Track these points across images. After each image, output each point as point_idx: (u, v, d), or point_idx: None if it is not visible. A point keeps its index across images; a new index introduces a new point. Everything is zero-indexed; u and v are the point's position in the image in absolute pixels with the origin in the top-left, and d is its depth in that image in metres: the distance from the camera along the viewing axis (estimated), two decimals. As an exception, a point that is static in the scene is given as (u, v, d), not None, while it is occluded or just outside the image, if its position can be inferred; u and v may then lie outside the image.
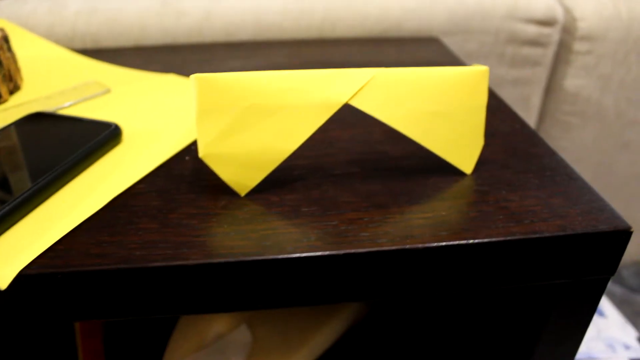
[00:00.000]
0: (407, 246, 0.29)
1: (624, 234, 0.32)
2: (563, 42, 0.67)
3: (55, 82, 0.50)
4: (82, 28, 0.58)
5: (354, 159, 0.38)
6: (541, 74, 0.68)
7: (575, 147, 0.74)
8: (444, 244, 0.30)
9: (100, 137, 0.38)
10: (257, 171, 0.33)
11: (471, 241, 0.30)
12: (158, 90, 0.48)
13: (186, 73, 0.52)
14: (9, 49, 0.48)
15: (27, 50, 0.55)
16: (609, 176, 0.77)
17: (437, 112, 0.34)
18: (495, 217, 0.32)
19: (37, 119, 0.41)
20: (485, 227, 0.31)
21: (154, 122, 0.43)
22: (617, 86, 0.69)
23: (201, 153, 0.33)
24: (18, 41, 0.56)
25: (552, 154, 0.39)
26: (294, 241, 0.30)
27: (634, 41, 0.66)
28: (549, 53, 0.66)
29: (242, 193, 0.34)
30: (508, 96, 0.69)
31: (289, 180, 0.35)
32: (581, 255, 0.32)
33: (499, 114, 0.45)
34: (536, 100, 0.70)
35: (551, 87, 0.70)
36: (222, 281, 0.29)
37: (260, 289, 0.30)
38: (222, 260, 0.29)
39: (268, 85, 0.32)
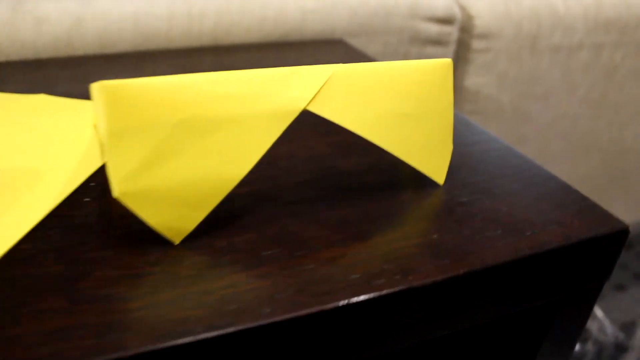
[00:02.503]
0: (413, 284, 0.23)
1: (623, 234, 0.29)
2: (462, 40, 0.66)
3: None
4: None
5: (306, 180, 0.31)
6: (443, 74, 0.67)
7: (477, 145, 0.73)
8: (450, 275, 0.24)
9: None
10: (195, 209, 0.25)
11: (479, 267, 0.25)
12: (25, 115, 0.37)
13: (53, 93, 0.42)
14: None
15: None
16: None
17: (405, 113, 0.28)
18: (493, 233, 0.27)
19: None
20: (487, 247, 0.26)
21: (27, 155, 0.32)
22: (512, 82, 0.70)
23: (116, 192, 0.24)
24: None
25: (514, 153, 0.35)
26: (268, 299, 0.22)
27: (524, 37, 0.67)
28: (449, 52, 0.65)
29: (177, 240, 0.25)
30: (413, 99, 0.67)
31: (232, 216, 0.27)
32: (582, 263, 0.28)
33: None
34: (439, 101, 0.69)
35: (453, 87, 0.69)
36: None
37: (231, 373, 0.22)
38: (176, 342, 0.20)
39: (202, 91, 0.24)
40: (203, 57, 0.52)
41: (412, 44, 0.62)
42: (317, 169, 0.32)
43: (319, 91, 0.26)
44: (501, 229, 0.27)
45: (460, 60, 0.67)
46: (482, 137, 0.37)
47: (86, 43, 0.49)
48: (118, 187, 0.23)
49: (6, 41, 0.47)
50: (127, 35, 0.50)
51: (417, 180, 0.31)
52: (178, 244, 0.25)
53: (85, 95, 0.41)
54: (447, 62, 0.30)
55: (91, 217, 0.27)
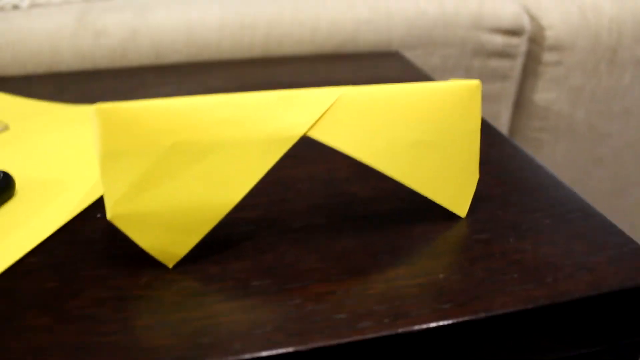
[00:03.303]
0: (400, 330, 0.21)
1: (669, 287, 0.25)
2: (531, 53, 0.61)
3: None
4: (-23, 54, 0.48)
5: (317, 205, 0.30)
6: (510, 88, 0.62)
7: (547, 165, 0.68)
8: (447, 322, 0.22)
9: (-18, 192, 0.29)
10: (187, 234, 0.24)
11: (483, 315, 0.22)
12: (67, 125, 0.39)
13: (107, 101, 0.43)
14: None
15: None
16: (582, 194, 0.72)
17: (421, 141, 0.26)
18: (508, 276, 0.24)
19: None
20: (498, 291, 0.24)
21: (59, 167, 0.33)
22: (588, 98, 0.64)
23: (110, 213, 0.24)
24: None
25: (558, 184, 0.32)
26: (242, 334, 0.21)
27: (603, 50, 0.61)
28: (517, 65, 0.61)
29: (170, 264, 0.25)
30: (476, 113, 0.63)
31: (233, 241, 0.27)
32: (617, 315, 0.25)
33: (484, 137, 0.38)
34: (505, 116, 0.65)
35: (520, 102, 0.65)
36: (140, 404, 0.20)
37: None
38: (141, 373, 0.20)
39: (197, 115, 0.23)
40: (253, 69, 0.52)
41: (474, 56, 0.59)
42: (332, 194, 0.31)
43: (322, 116, 0.25)
44: (519, 273, 0.25)
45: (529, 73, 0.63)
46: (526, 165, 0.34)
47: (141, 54, 0.51)
48: (111, 210, 0.24)
49: (69, 52, 0.49)
50: (180, 47, 0.52)
51: (438, 211, 0.29)
52: (171, 268, 0.25)
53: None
54: (474, 84, 0.27)
55: (97, 233, 0.27)
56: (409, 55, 0.57)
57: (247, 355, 0.20)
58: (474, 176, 0.29)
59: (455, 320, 0.22)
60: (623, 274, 0.25)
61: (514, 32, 0.58)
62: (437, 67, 0.58)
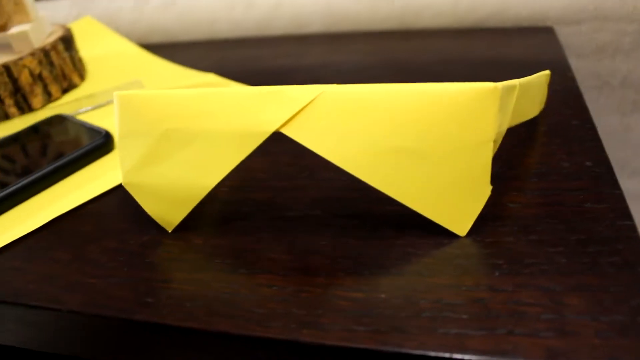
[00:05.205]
0: (299, 339, 0.21)
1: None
2: None
3: (113, 79, 0.50)
4: (159, 23, 0.58)
5: (324, 197, 0.30)
6: None
7: None
8: (348, 345, 0.21)
9: (90, 145, 0.37)
10: (177, 207, 0.28)
11: (390, 349, 0.21)
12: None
13: (246, 67, 0.48)
14: (68, 49, 0.49)
15: (102, 47, 0.56)
16: None
17: (408, 148, 0.24)
18: (455, 315, 0.22)
19: (57, 120, 0.41)
20: (428, 329, 0.21)
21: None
22: None
23: (123, 181, 0.28)
24: (97, 39, 0.58)
25: (624, 215, 0.26)
26: (176, 303, 0.24)
27: None
28: None
29: (169, 229, 0.29)
30: (665, 105, 0.51)
31: (231, 219, 0.29)
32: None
33: (576, 147, 0.32)
34: None
35: None
36: (91, 335, 0.25)
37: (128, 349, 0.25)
38: (93, 312, 0.24)
39: (186, 106, 0.26)
40: (389, 41, 0.51)
41: (663, 34, 0.47)
42: (347, 187, 0.30)
43: (297, 114, 0.25)
44: (470, 315, 0.22)
45: None
46: (596, 185, 0.28)
47: (284, 24, 0.55)
48: (124, 178, 0.28)
49: (224, 22, 0.56)
50: (318, 18, 0.54)
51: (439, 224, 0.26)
52: (170, 232, 0.29)
53: (264, 74, 0.47)
54: (489, 88, 0.24)
55: (140, 191, 0.32)
56: (570, 31, 0.49)
57: (169, 322, 0.23)
58: (483, 191, 0.25)
59: (356, 346, 0.21)
60: (605, 352, 0.20)
61: None
62: (606, 46, 0.49)
